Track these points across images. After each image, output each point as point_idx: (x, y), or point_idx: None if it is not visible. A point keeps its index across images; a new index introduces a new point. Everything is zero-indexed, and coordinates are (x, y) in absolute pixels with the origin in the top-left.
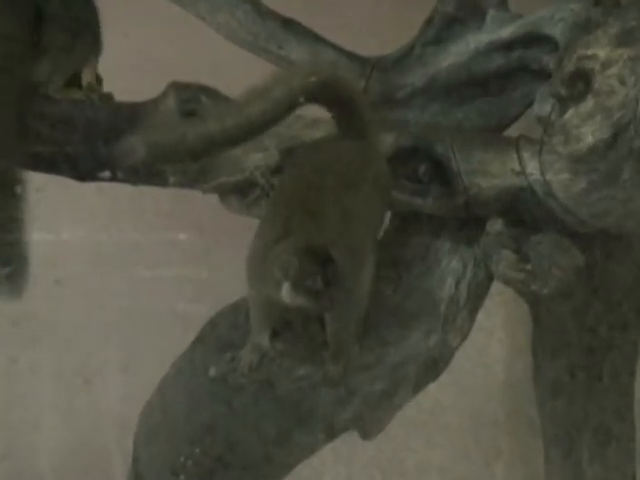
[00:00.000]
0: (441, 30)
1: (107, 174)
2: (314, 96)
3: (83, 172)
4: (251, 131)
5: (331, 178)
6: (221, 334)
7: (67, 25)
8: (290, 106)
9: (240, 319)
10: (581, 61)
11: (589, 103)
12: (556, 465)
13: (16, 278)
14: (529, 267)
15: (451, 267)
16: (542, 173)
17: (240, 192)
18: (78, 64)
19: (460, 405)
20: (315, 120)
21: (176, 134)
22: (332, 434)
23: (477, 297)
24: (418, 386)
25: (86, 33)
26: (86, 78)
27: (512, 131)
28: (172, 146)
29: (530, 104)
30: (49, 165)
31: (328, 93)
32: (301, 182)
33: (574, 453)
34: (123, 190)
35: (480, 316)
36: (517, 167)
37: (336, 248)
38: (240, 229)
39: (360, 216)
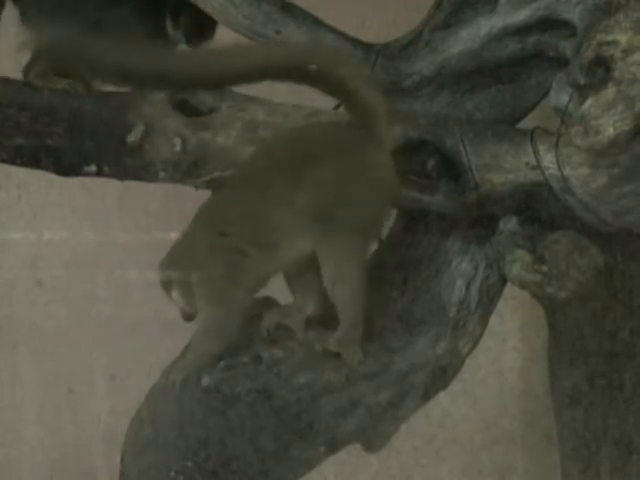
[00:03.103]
0: (451, 14)
1: (93, 169)
2: (307, 77)
3: (67, 167)
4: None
5: (302, 159)
6: None
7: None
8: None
9: None
10: (601, 47)
11: (610, 92)
12: None
13: None
14: (545, 268)
15: (461, 268)
16: (559, 167)
17: None
18: None
19: (471, 416)
20: (315, 111)
21: None
22: (334, 447)
23: (489, 301)
24: (426, 396)
25: (62, 17)
26: None
27: (527, 122)
28: None
29: (546, 93)
30: (30, 159)
31: (325, 77)
32: (264, 160)
33: (593, 467)
34: (110, 186)
35: (493, 321)
36: (532, 161)
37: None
38: None
39: (344, 199)
